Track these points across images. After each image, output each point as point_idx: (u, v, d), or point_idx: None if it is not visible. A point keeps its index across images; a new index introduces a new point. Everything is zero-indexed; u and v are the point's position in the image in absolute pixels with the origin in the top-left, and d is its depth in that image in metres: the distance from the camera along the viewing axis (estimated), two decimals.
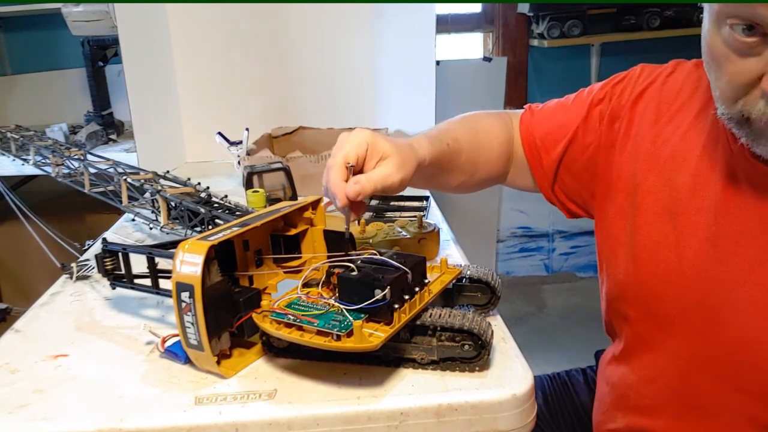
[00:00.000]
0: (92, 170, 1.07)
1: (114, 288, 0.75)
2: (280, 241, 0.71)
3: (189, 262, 0.57)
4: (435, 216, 1.11)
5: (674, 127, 0.72)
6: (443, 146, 0.77)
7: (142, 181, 1.00)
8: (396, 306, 0.57)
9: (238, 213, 0.88)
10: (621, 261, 0.75)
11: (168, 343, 0.66)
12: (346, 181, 0.65)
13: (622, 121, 0.77)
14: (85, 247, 1.02)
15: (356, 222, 0.85)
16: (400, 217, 1.08)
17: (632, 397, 0.75)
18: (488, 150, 0.84)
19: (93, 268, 0.90)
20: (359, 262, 0.62)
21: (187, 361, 0.63)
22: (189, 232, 0.90)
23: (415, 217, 0.88)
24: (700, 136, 0.70)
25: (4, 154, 1.45)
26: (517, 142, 0.86)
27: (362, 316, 0.57)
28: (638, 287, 0.73)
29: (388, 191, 0.67)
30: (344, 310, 0.58)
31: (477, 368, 0.60)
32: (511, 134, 0.87)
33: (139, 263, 0.72)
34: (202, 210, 0.87)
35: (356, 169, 0.67)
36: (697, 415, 0.69)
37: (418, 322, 0.60)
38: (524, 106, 0.89)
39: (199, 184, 0.98)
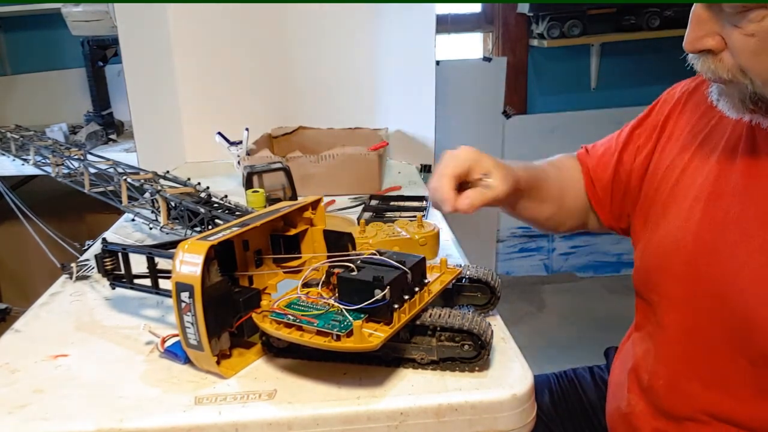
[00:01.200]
0: (92, 170, 1.07)
1: (114, 288, 0.75)
2: (280, 241, 0.71)
3: (189, 262, 0.57)
4: (435, 216, 1.11)
5: (708, 119, 0.76)
6: (536, 172, 0.85)
7: (142, 181, 1.00)
8: (396, 306, 0.57)
9: (238, 213, 0.88)
10: (647, 244, 0.79)
11: (168, 343, 0.66)
12: (455, 190, 0.72)
13: (659, 132, 0.82)
14: (85, 247, 1.02)
15: (357, 222, 0.85)
16: (400, 217, 1.08)
17: (649, 379, 0.76)
18: (572, 184, 0.90)
19: (93, 268, 0.90)
20: (359, 262, 0.62)
21: (187, 361, 0.63)
22: (189, 232, 0.90)
23: (415, 217, 0.88)
24: (728, 124, 0.73)
25: (4, 154, 1.45)
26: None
27: (362, 316, 0.57)
28: (660, 268, 0.76)
29: (493, 202, 0.73)
30: (344, 310, 0.58)
31: (477, 368, 0.60)
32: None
33: (139, 263, 0.72)
34: (202, 210, 0.87)
35: (462, 180, 0.74)
36: (716, 393, 0.70)
37: (418, 322, 0.60)
38: (580, 146, 0.95)
39: (199, 184, 0.98)
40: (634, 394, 0.79)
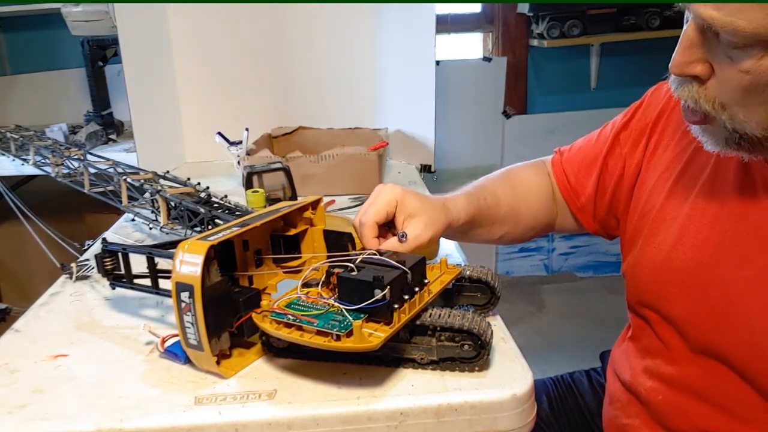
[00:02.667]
0: (92, 170, 1.07)
1: (114, 288, 0.75)
2: (280, 241, 0.71)
3: (189, 262, 0.57)
4: None
5: (692, 136, 0.72)
6: (480, 202, 0.81)
7: (142, 181, 1.00)
8: (396, 306, 0.57)
9: (237, 213, 0.88)
10: (637, 264, 0.77)
11: (168, 343, 0.66)
12: (377, 237, 0.70)
13: (647, 139, 0.79)
14: (85, 247, 1.02)
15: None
16: None
17: (646, 394, 0.76)
18: (528, 198, 0.87)
19: (93, 268, 0.90)
20: (359, 262, 0.62)
21: (187, 361, 0.63)
22: (189, 232, 0.90)
23: None
24: None
25: (4, 154, 1.45)
26: (555, 187, 0.90)
27: (362, 316, 0.57)
28: (654, 291, 0.74)
29: (418, 250, 0.70)
30: (344, 310, 0.58)
31: (477, 368, 0.60)
32: (548, 179, 0.90)
33: (138, 263, 0.72)
34: (202, 210, 0.87)
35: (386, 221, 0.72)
36: (718, 413, 0.70)
37: (418, 322, 0.60)
38: (554, 150, 0.92)
39: (198, 184, 0.98)
40: (632, 406, 0.78)
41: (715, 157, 0.70)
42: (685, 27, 0.58)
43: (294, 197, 1.09)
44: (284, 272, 0.70)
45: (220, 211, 0.88)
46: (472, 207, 0.79)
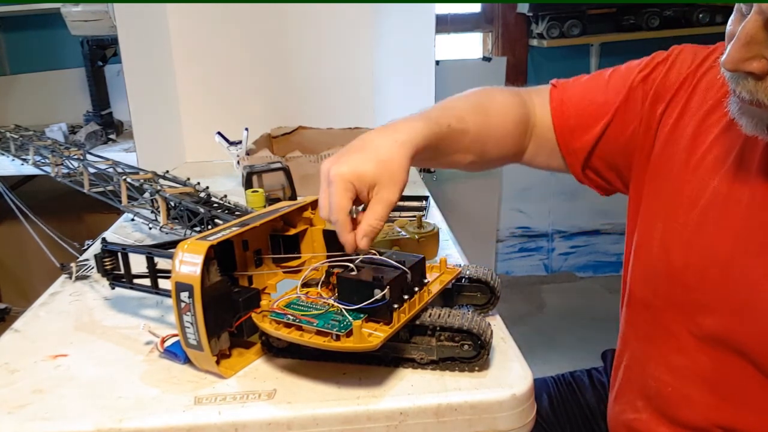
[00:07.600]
0: (92, 170, 1.07)
1: (113, 288, 0.75)
2: (280, 241, 0.71)
3: (188, 262, 0.57)
4: (435, 216, 1.11)
5: (718, 116, 0.71)
6: (442, 129, 0.74)
7: (142, 181, 1.00)
8: (395, 306, 0.57)
9: (237, 213, 0.88)
10: (653, 248, 0.75)
11: (167, 343, 0.66)
12: (353, 227, 0.66)
13: (667, 104, 0.76)
14: (85, 247, 1.02)
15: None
16: (399, 217, 1.08)
17: (656, 386, 0.75)
18: (500, 130, 0.81)
19: (92, 268, 0.90)
20: (359, 262, 0.62)
21: (187, 361, 0.63)
22: (188, 232, 0.90)
23: (414, 217, 0.88)
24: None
25: (3, 154, 1.45)
26: (543, 121, 0.84)
27: (362, 316, 0.57)
28: (669, 275, 0.73)
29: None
30: (344, 310, 0.58)
31: (476, 368, 0.60)
32: (527, 113, 0.84)
33: (138, 263, 0.72)
34: (202, 210, 0.87)
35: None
36: (729, 405, 0.69)
37: (418, 322, 0.60)
38: (549, 82, 0.86)
39: (198, 184, 0.98)
40: (640, 400, 0.77)
41: (741, 142, 0.68)
42: (731, 21, 0.58)
43: (294, 197, 1.09)
44: (284, 272, 0.70)
45: (219, 211, 0.88)
46: (432, 134, 0.72)
